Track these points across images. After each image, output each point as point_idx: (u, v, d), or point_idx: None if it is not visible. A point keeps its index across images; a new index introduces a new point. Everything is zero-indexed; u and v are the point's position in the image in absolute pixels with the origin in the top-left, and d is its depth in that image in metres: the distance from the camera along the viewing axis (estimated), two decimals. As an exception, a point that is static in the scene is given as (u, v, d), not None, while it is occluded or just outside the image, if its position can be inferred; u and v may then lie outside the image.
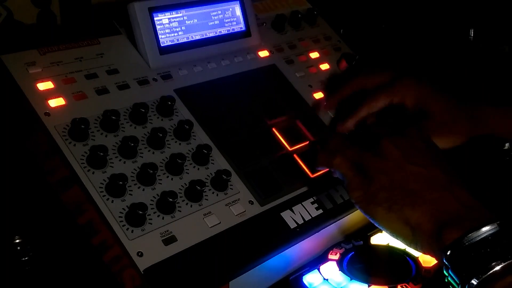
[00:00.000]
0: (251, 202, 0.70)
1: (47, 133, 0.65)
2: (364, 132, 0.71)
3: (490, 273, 0.51)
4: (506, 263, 0.51)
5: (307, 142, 0.80)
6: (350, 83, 0.84)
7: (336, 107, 0.85)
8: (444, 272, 0.54)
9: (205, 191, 0.68)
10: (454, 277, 0.53)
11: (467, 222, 0.54)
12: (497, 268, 0.50)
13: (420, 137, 0.65)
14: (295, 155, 0.78)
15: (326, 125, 0.84)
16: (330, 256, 0.73)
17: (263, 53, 0.88)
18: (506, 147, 0.89)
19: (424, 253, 0.59)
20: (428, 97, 0.80)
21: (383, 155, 0.62)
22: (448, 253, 0.53)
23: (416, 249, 0.59)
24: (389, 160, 0.61)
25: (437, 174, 0.59)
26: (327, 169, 0.69)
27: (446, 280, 0.55)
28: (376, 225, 0.61)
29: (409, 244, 0.59)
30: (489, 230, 0.52)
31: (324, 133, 0.83)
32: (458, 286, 0.53)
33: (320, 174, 0.77)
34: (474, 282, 0.51)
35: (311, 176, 0.76)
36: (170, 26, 0.77)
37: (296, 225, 0.70)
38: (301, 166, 0.77)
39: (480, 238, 0.52)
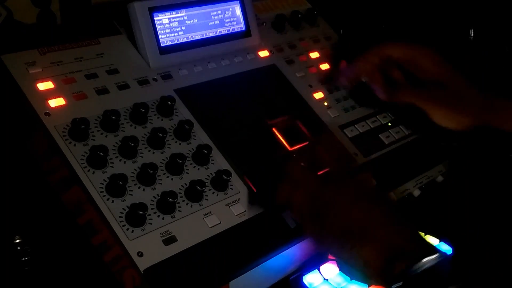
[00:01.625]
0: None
1: (47, 133, 0.65)
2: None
3: None
4: None
5: (307, 142, 0.80)
6: (371, 52, 0.83)
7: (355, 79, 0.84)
8: None
9: (205, 191, 0.68)
10: None
11: (411, 254, 0.57)
12: None
13: (368, 182, 0.68)
14: (295, 155, 0.78)
15: (327, 125, 0.84)
16: (330, 256, 0.73)
17: (263, 53, 0.88)
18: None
19: (381, 285, 0.60)
20: (447, 67, 0.79)
21: (337, 194, 0.63)
22: (398, 285, 0.56)
23: (369, 283, 0.62)
24: (342, 201, 0.63)
25: (382, 214, 0.62)
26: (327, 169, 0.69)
27: None
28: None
29: (363, 278, 0.61)
30: (431, 261, 0.56)
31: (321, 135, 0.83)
32: None
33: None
34: None
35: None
36: (170, 26, 0.77)
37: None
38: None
39: (423, 268, 0.55)
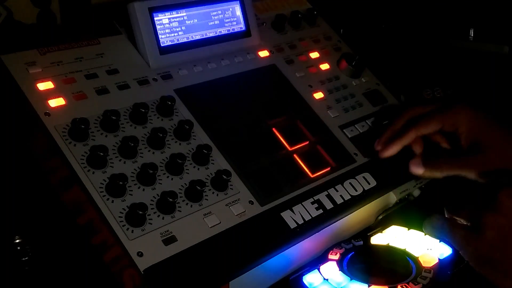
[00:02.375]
0: (251, 202, 0.70)
1: (47, 133, 0.65)
2: (482, 182, 0.65)
3: None
4: None
5: (307, 142, 0.80)
6: (401, 116, 0.79)
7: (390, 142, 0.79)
8: None
9: (205, 191, 0.68)
10: None
11: None
12: None
13: None
14: (295, 155, 0.78)
15: (326, 125, 0.84)
16: (330, 256, 0.73)
17: (263, 53, 0.88)
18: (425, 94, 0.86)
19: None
20: (484, 129, 0.74)
21: (499, 209, 0.57)
22: None
23: None
24: (504, 215, 0.56)
25: None
26: (328, 169, 0.68)
27: None
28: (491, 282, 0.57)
29: None
30: None
31: (321, 135, 0.82)
32: None
33: (320, 174, 0.77)
34: None
35: (311, 176, 0.76)
36: (170, 26, 0.77)
37: (296, 225, 0.70)
38: (301, 166, 0.77)
39: None
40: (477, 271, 0.58)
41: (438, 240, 0.73)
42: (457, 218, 0.62)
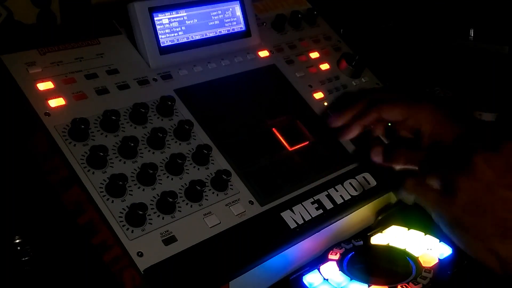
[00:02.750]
0: (251, 202, 0.70)
1: (47, 133, 0.65)
2: (455, 145, 0.64)
3: None
4: None
5: (307, 142, 0.80)
6: (365, 97, 0.80)
7: (348, 122, 0.80)
8: None
9: (205, 191, 0.68)
10: None
11: None
12: None
13: None
14: (295, 155, 0.78)
15: (326, 125, 0.84)
16: (330, 256, 0.73)
17: (263, 53, 0.88)
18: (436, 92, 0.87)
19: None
20: (446, 128, 0.73)
21: (473, 173, 0.56)
22: None
23: (508, 279, 0.54)
24: (478, 180, 0.55)
25: None
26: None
27: None
28: (460, 246, 0.57)
29: (500, 274, 0.54)
30: None
31: (321, 135, 0.82)
32: None
33: (320, 174, 0.77)
34: None
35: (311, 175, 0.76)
36: (170, 26, 0.77)
37: (296, 225, 0.70)
38: (301, 166, 0.77)
39: None
40: (447, 233, 0.58)
41: (438, 240, 0.73)
42: (430, 181, 0.60)
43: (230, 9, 0.84)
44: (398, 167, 0.72)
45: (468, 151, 0.57)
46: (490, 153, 0.56)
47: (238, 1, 0.85)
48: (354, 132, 0.78)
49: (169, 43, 0.78)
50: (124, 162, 0.66)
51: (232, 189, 0.70)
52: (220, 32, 0.83)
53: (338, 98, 0.88)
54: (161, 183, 0.66)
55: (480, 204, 0.54)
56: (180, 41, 0.79)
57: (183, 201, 0.66)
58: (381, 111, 0.77)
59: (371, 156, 0.76)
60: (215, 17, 0.82)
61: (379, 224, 0.81)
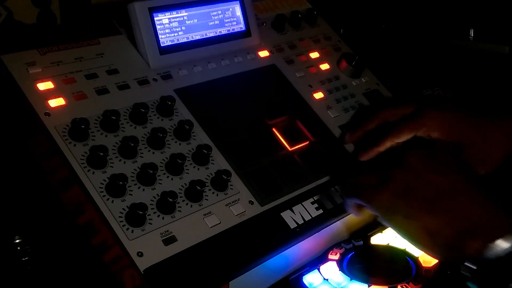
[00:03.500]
0: (251, 202, 0.70)
1: (47, 133, 0.65)
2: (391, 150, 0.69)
3: None
4: None
5: (307, 142, 0.80)
6: (374, 117, 0.82)
7: (359, 139, 0.83)
8: (467, 283, 0.53)
9: (205, 191, 0.68)
10: None
11: (490, 231, 0.52)
12: None
13: (446, 150, 0.64)
14: (295, 155, 0.78)
15: (326, 125, 0.84)
16: (330, 256, 0.73)
17: (263, 53, 0.88)
18: None
19: (446, 260, 0.57)
20: (456, 128, 0.76)
21: (404, 166, 0.61)
22: (468, 264, 0.51)
23: (437, 257, 0.58)
24: (408, 169, 0.60)
25: (456, 182, 0.58)
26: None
27: None
28: (397, 233, 0.61)
29: (429, 252, 0.58)
30: None
31: (321, 135, 0.83)
32: None
33: (320, 174, 0.77)
34: None
35: (311, 175, 0.76)
36: (170, 26, 0.77)
37: (296, 225, 0.70)
38: (301, 166, 0.77)
39: (502, 251, 0.50)
40: (383, 222, 0.62)
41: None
42: (365, 181, 0.65)
43: (230, 9, 0.84)
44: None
45: (402, 151, 0.64)
46: (421, 150, 0.63)
47: (238, 1, 0.85)
48: (368, 157, 0.80)
49: (169, 43, 0.78)
50: (124, 162, 0.66)
51: (232, 189, 0.70)
52: (220, 32, 0.83)
53: (352, 116, 0.89)
54: (161, 183, 0.66)
55: (411, 188, 0.59)
56: (180, 41, 0.79)
57: (183, 201, 0.66)
58: (392, 140, 0.78)
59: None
60: (215, 17, 0.82)
61: (379, 224, 0.81)
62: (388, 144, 0.79)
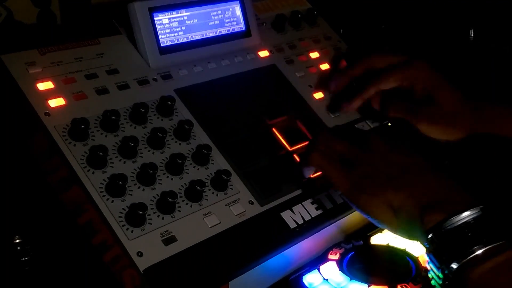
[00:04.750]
0: (251, 202, 0.70)
1: (47, 133, 0.65)
2: (354, 131, 0.72)
3: (471, 257, 0.51)
4: (487, 247, 0.50)
5: (307, 142, 0.80)
6: (361, 62, 0.84)
7: (345, 85, 0.85)
8: (425, 256, 0.55)
9: (205, 191, 0.68)
10: (434, 260, 0.54)
11: (449, 205, 0.54)
12: (478, 252, 0.51)
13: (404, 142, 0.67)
14: (295, 155, 0.78)
15: (326, 125, 0.84)
16: (330, 256, 0.73)
17: (263, 53, 0.88)
18: None
19: (409, 238, 0.59)
20: (438, 85, 0.80)
21: (369, 148, 0.64)
22: (429, 236, 0.54)
23: (401, 234, 0.60)
24: (374, 151, 0.63)
25: (419, 161, 0.61)
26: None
27: (427, 264, 0.55)
28: (361, 213, 0.62)
29: (394, 230, 0.60)
30: (471, 214, 0.53)
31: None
32: (438, 270, 0.53)
33: (320, 174, 0.77)
34: (454, 266, 0.51)
35: (311, 176, 0.76)
36: (170, 26, 0.77)
37: (296, 225, 0.70)
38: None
39: (462, 222, 0.52)
40: (345, 199, 0.64)
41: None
42: (332, 153, 0.67)
43: (230, 9, 0.84)
44: (391, 115, 0.82)
45: (366, 133, 0.68)
46: (384, 135, 0.66)
47: (238, 1, 0.85)
48: (355, 106, 0.84)
49: (169, 43, 0.78)
50: (124, 162, 0.66)
51: (232, 189, 0.70)
52: (220, 32, 0.83)
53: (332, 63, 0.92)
54: (161, 183, 0.66)
55: (376, 168, 0.61)
56: (180, 41, 0.79)
57: (183, 201, 0.66)
58: (378, 86, 0.81)
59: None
60: (215, 17, 0.82)
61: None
62: (372, 91, 0.81)
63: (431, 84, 0.80)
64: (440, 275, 0.53)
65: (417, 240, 0.58)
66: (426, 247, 0.54)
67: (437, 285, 0.55)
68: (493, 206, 0.53)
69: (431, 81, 0.80)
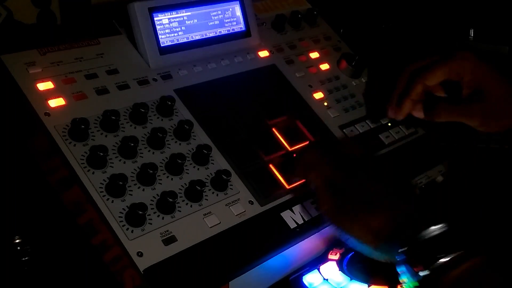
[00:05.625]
0: (251, 202, 0.70)
1: (47, 133, 0.65)
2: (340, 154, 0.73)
3: (438, 264, 0.55)
4: (451, 256, 0.55)
5: (307, 142, 0.80)
6: (403, 74, 0.81)
7: (409, 110, 0.81)
8: (397, 269, 0.59)
9: (205, 191, 0.68)
10: (410, 269, 0.57)
11: (419, 222, 0.59)
12: (443, 260, 0.55)
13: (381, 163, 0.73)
14: (294, 155, 0.78)
15: (326, 125, 0.84)
16: (330, 256, 0.73)
17: (263, 53, 0.88)
18: None
19: (384, 258, 0.62)
20: (487, 76, 0.77)
21: (352, 175, 0.67)
22: (403, 249, 0.58)
23: (376, 253, 0.62)
24: (356, 179, 0.67)
25: (392, 187, 0.66)
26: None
27: (401, 277, 0.59)
28: (343, 236, 0.64)
29: (373, 251, 0.63)
30: (438, 229, 0.58)
31: (321, 135, 0.83)
32: (414, 278, 0.57)
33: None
34: (426, 272, 0.56)
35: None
36: (170, 26, 0.77)
37: (296, 225, 0.70)
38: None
39: (431, 235, 0.57)
40: (329, 220, 0.66)
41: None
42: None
43: (230, 9, 0.84)
44: (440, 120, 0.79)
45: (351, 160, 0.69)
46: (364, 162, 0.70)
47: (238, 1, 0.85)
48: (406, 110, 0.81)
49: (169, 43, 0.78)
50: (124, 162, 0.66)
51: (232, 189, 0.70)
52: (220, 32, 0.83)
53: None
54: (161, 183, 0.66)
55: (356, 195, 0.65)
56: (180, 41, 0.79)
57: (183, 201, 0.66)
58: (424, 81, 0.78)
59: (412, 113, 0.82)
60: (215, 17, 0.82)
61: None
62: (419, 88, 0.78)
63: (479, 74, 0.77)
64: (416, 283, 0.57)
65: (389, 259, 0.61)
66: (399, 260, 0.58)
67: None
68: (456, 220, 0.59)
69: (479, 71, 0.77)
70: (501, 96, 0.77)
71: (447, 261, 0.56)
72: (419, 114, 0.81)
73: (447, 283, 0.55)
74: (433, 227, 0.58)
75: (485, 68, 0.77)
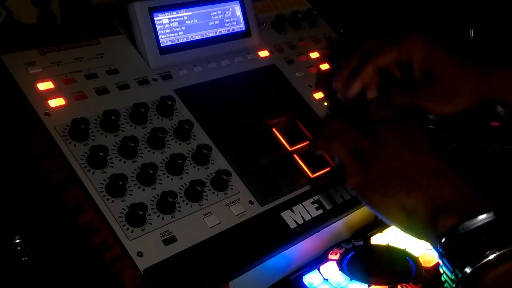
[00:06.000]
0: (251, 202, 0.70)
1: (47, 133, 0.65)
2: (364, 119, 0.68)
3: (484, 262, 0.50)
4: (500, 252, 0.50)
5: (307, 142, 0.80)
6: (356, 52, 0.80)
7: (348, 81, 0.80)
8: (439, 259, 0.54)
9: (205, 191, 0.68)
10: (447, 265, 0.53)
11: (463, 209, 0.54)
12: (491, 257, 0.50)
13: (420, 127, 0.64)
14: (295, 155, 0.78)
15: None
16: (330, 256, 0.73)
17: (263, 53, 0.88)
18: (498, 110, 0.84)
19: (420, 239, 0.58)
20: (437, 57, 0.76)
21: (382, 142, 0.61)
22: (442, 240, 0.53)
23: (412, 235, 0.58)
24: (387, 147, 0.61)
25: (433, 162, 0.59)
26: (328, 169, 0.68)
27: (440, 268, 0.55)
28: (373, 211, 0.60)
29: (405, 230, 0.59)
30: (485, 219, 0.52)
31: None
32: (452, 274, 0.53)
33: (320, 174, 0.77)
34: (467, 270, 0.51)
35: (311, 176, 0.76)
36: (170, 26, 0.77)
37: (296, 225, 0.70)
38: (301, 166, 0.77)
39: (475, 226, 0.52)
40: (357, 195, 0.61)
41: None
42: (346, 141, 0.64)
43: (230, 9, 0.84)
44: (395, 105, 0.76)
45: (376, 124, 0.63)
46: (395, 125, 0.63)
47: (238, 1, 0.85)
48: (355, 90, 0.79)
49: (169, 43, 0.78)
50: (124, 162, 0.66)
51: (232, 189, 0.70)
52: (220, 32, 0.83)
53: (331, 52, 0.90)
54: (161, 183, 0.66)
55: (389, 167, 0.59)
56: (180, 41, 0.79)
57: (183, 201, 0.66)
58: (375, 62, 0.78)
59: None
60: (215, 17, 0.82)
61: (379, 224, 0.81)
62: (370, 69, 0.77)
63: (428, 55, 0.76)
64: (454, 278, 0.52)
65: (427, 241, 0.57)
66: (439, 251, 0.54)
67: None
68: (506, 210, 0.53)
69: (429, 53, 0.76)
70: (451, 75, 0.75)
71: (493, 258, 0.50)
72: (372, 95, 0.79)
73: (489, 283, 0.50)
74: (480, 217, 0.52)
75: (435, 48, 0.76)
